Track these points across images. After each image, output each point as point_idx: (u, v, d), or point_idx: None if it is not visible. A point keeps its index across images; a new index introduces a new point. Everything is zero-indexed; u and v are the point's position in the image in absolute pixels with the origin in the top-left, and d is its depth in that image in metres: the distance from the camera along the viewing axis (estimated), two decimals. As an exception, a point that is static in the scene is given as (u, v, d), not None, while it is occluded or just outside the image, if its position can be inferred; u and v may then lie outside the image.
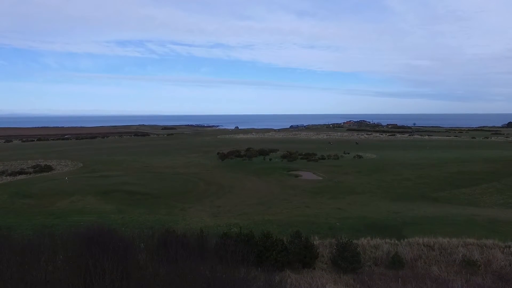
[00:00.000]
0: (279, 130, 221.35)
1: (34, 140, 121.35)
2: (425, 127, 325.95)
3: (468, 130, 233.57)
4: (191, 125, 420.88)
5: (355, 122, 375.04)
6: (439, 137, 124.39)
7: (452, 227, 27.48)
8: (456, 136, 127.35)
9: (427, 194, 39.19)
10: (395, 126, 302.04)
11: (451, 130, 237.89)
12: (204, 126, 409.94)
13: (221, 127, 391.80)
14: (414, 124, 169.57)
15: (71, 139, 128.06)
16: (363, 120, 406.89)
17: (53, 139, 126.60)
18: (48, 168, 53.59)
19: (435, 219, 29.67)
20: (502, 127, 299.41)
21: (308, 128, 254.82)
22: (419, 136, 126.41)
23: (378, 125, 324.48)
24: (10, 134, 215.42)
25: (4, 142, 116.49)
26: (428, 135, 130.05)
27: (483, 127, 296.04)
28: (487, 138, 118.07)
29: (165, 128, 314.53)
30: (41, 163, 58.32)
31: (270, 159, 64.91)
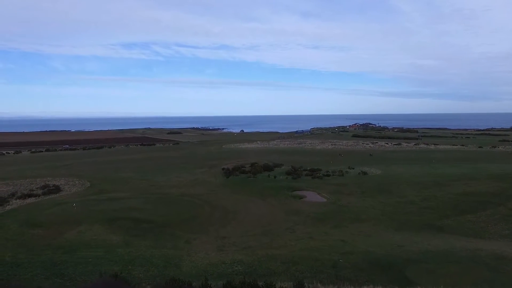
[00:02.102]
0: (284, 136, 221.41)
1: (42, 151, 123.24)
2: (431, 129, 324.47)
3: (476, 134, 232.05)
4: (197, 128, 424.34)
5: (360, 125, 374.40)
6: (445, 146, 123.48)
7: (456, 266, 27.54)
8: (463, 145, 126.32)
9: (432, 222, 39.17)
10: (401, 129, 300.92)
11: (458, 134, 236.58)
12: (209, 129, 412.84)
13: (226, 130, 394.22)
14: (420, 136, 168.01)
15: (78, 149, 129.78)
16: (369, 123, 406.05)
17: (60, 150, 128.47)
18: (57, 189, 54.53)
19: (439, 255, 29.73)
20: (511, 128, 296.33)
21: (312, 133, 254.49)
22: (425, 146, 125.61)
23: (384, 128, 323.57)
24: (20, 140, 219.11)
25: (13, 153, 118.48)
26: (434, 144, 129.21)
27: (491, 129, 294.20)
28: (494, 147, 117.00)
29: (170, 132, 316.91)
30: (49, 183, 59.35)
31: (275, 177, 65.22)
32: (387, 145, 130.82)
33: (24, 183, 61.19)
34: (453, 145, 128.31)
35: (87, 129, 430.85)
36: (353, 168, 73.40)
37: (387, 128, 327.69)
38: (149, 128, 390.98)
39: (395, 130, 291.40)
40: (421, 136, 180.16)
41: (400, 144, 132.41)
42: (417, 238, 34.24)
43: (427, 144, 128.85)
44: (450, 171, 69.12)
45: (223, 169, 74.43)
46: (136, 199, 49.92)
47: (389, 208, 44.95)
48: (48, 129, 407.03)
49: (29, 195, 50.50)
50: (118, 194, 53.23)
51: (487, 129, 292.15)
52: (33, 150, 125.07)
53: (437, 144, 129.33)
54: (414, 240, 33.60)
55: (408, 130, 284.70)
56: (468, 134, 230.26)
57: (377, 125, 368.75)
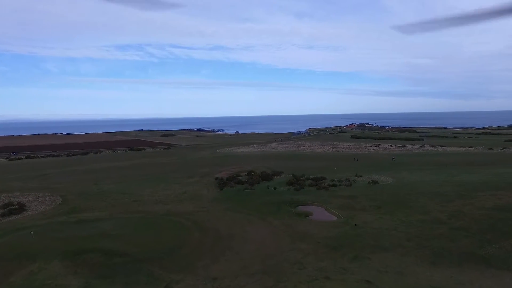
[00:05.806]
0: (281, 139, 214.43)
1: (22, 158, 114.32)
2: (429, 128, 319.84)
3: (477, 133, 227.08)
4: (191, 130, 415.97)
5: (357, 124, 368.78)
6: (453, 148, 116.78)
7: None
8: (471, 147, 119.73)
9: (472, 250, 31.84)
10: (399, 129, 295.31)
11: (458, 133, 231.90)
12: (204, 131, 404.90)
13: (221, 132, 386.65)
14: (424, 137, 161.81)
15: (61, 156, 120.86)
16: (366, 123, 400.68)
17: (42, 156, 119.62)
18: (20, 208, 46.57)
19: (499, 307, 22.48)
20: (509, 127, 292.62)
21: (310, 134, 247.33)
22: (431, 148, 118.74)
23: (381, 128, 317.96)
24: (8, 144, 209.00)
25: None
26: (441, 146, 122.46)
27: (488, 127, 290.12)
28: (505, 149, 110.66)
29: (164, 134, 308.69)
30: (14, 200, 51.38)
31: (275, 188, 57.74)
32: (391, 147, 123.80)
33: (-14, 200, 52.96)
34: (461, 146, 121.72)
35: (80, 132, 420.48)
36: (361, 176, 66.22)
37: (384, 128, 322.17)
38: (143, 130, 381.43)
39: (393, 130, 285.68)
40: (424, 136, 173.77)
41: (405, 146, 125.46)
42: (462, 277, 26.88)
43: (434, 146, 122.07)
44: (470, 179, 62.15)
45: (216, 178, 66.84)
46: (112, 221, 42.10)
47: (414, 229, 37.57)
48: (40, 132, 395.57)
49: (-15, 218, 42.41)
50: (92, 214, 45.37)
51: (484, 128, 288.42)
52: (12, 157, 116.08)
53: (444, 146, 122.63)
54: (459, 280, 26.26)
55: (407, 130, 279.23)
56: (469, 133, 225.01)
57: (374, 125, 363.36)
